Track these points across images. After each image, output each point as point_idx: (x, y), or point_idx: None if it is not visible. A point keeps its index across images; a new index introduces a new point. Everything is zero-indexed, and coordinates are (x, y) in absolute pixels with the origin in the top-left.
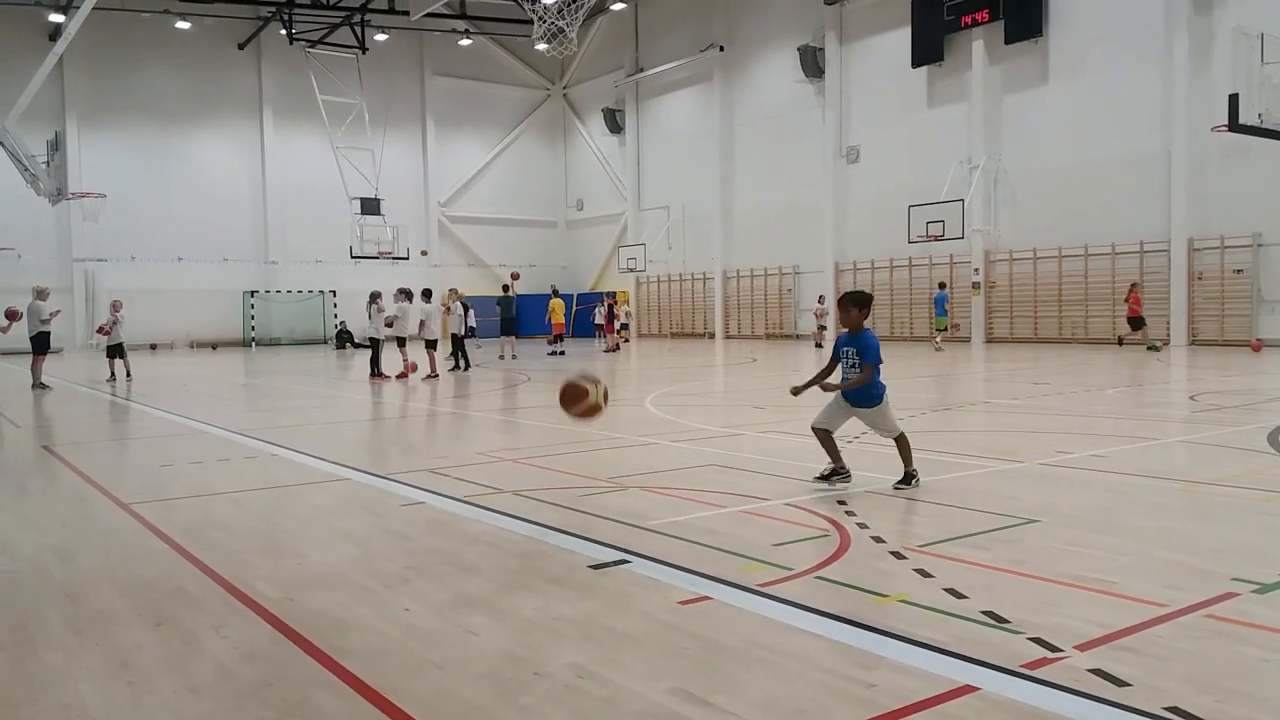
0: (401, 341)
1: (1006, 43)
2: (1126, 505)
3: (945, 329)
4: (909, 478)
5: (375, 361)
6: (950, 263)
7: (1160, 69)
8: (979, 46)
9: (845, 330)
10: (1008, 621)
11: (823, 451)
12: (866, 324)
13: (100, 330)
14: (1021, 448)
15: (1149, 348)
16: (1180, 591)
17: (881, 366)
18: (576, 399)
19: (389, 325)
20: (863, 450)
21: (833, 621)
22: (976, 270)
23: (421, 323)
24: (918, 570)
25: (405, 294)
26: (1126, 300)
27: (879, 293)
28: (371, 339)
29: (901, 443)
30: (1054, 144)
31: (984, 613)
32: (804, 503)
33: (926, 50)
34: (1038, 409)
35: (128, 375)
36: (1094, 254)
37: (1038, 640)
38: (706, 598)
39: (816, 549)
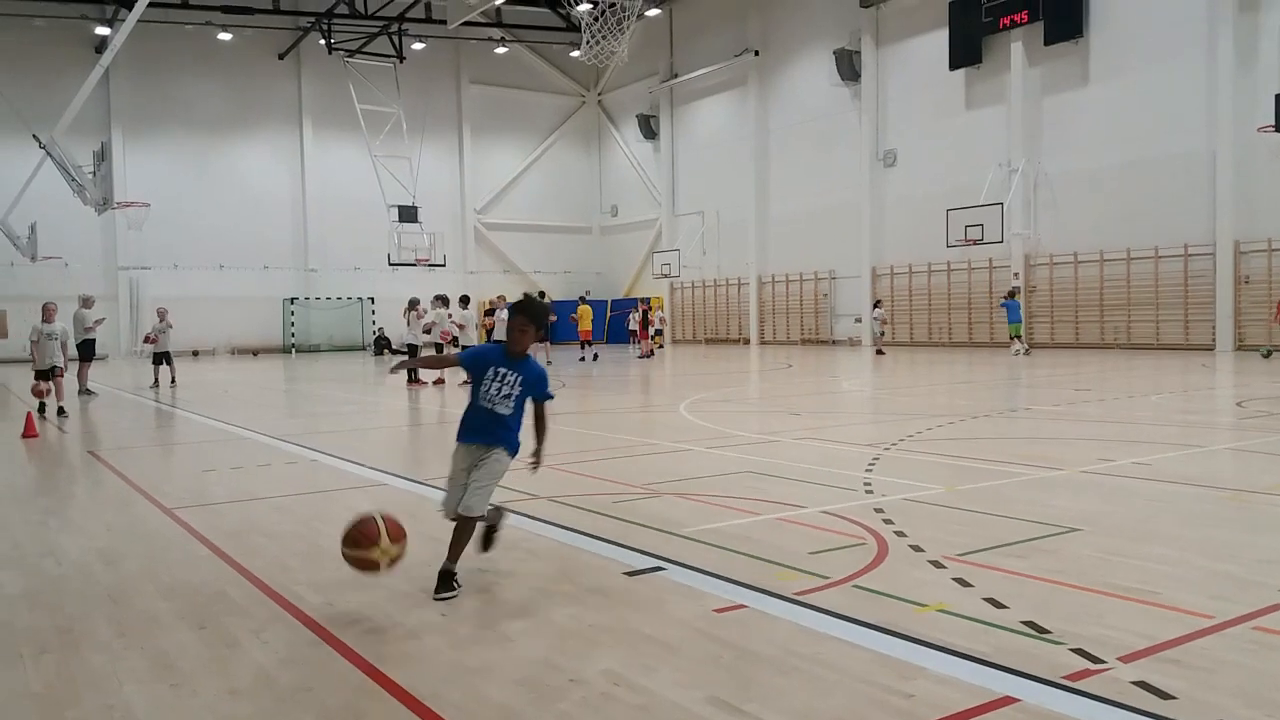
0: (439, 347)
1: (1046, 44)
2: (1170, 514)
3: (1019, 335)
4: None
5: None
6: (990, 267)
7: (1204, 69)
8: (1018, 48)
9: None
10: (1049, 632)
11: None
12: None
13: (147, 339)
14: (1062, 455)
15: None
16: (1226, 602)
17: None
18: (359, 541)
19: (426, 332)
20: (901, 459)
21: (870, 631)
22: (1016, 275)
23: (461, 328)
24: (956, 579)
25: (443, 300)
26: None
27: (917, 297)
28: (409, 345)
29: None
30: (1095, 146)
31: (1024, 623)
32: (840, 510)
33: (964, 52)
34: (1079, 415)
35: (172, 381)
36: (1136, 258)
37: (1080, 651)
38: (742, 605)
39: (853, 557)
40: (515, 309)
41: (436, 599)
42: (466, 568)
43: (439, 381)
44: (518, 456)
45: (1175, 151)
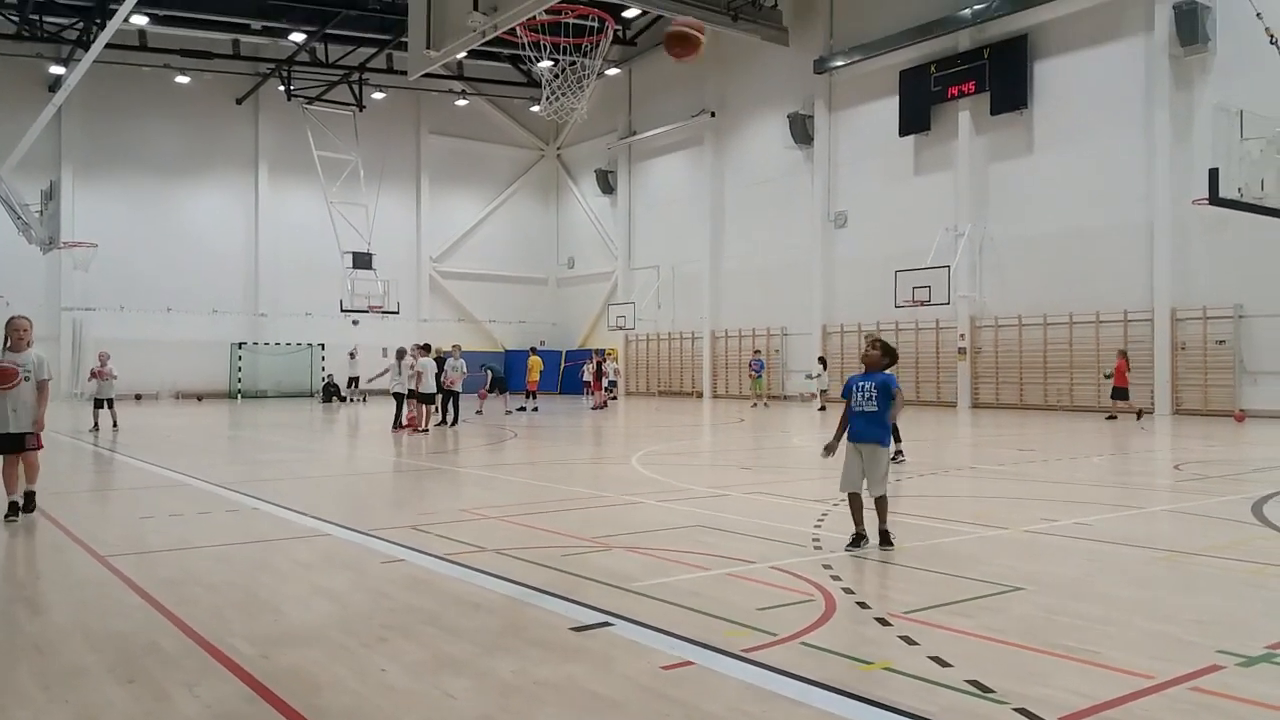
0: (429, 397)
1: (992, 113)
2: (1110, 574)
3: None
4: (885, 537)
5: (399, 414)
6: (937, 327)
7: (1142, 142)
8: (965, 117)
9: (863, 370)
10: (992, 691)
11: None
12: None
13: (93, 375)
14: (1006, 514)
15: (1109, 417)
16: (1165, 663)
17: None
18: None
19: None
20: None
21: (817, 689)
22: (962, 336)
23: (420, 375)
24: (902, 637)
25: (424, 349)
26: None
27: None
28: (396, 393)
29: (882, 504)
30: (1039, 213)
31: (968, 682)
32: (789, 566)
33: (914, 119)
34: (1023, 475)
35: (114, 425)
36: (1079, 322)
37: (1023, 711)
38: (690, 663)
39: (801, 614)
40: (875, 341)
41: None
42: (409, 620)
43: (409, 427)
44: None
45: (1115, 220)
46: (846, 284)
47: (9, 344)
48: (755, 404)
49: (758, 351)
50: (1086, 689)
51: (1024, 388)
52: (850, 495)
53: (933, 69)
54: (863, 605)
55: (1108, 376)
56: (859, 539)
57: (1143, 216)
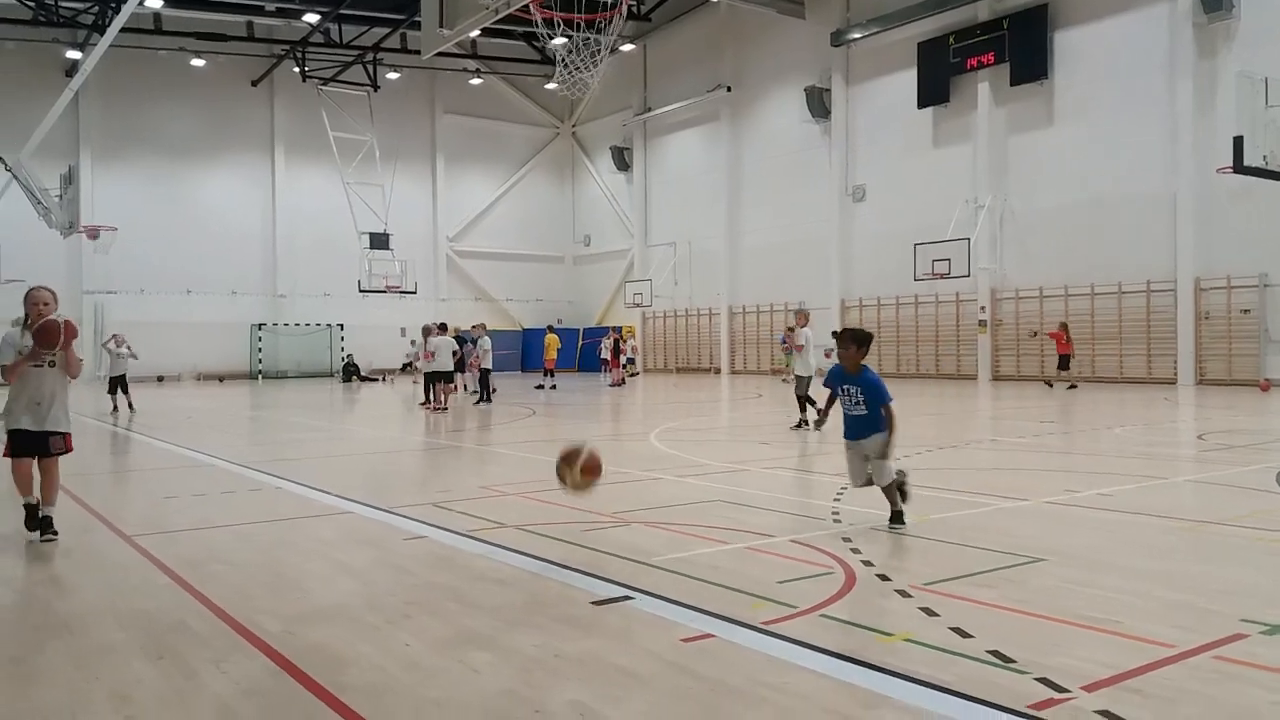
0: (444, 375)
1: (1012, 84)
2: (1133, 545)
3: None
4: (897, 516)
5: (429, 391)
6: (957, 300)
7: (1165, 111)
8: (984, 88)
9: (839, 365)
10: (1014, 661)
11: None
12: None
13: (111, 340)
14: (1027, 486)
15: (1069, 386)
16: (1188, 632)
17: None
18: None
19: (429, 359)
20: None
21: (837, 660)
22: (983, 308)
23: (432, 355)
24: (923, 609)
25: (442, 328)
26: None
27: (885, 330)
28: (428, 372)
29: (891, 491)
30: (1060, 184)
31: (990, 652)
32: (809, 539)
33: (932, 91)
34: (1044, 447)
35: (130, 407)
36: (1100, 293)
37: (1044, 681)
38: (710, 635)
39: (821, 586)
40: (842, 335)
41: None
42: (432, 596)
43: (440, 408)
44: None
45: (1137, 190)
46: (865, 258)
47: (29, 321)
48: (787, 379)
49: (790, 329)
50: (1108, 658)
51: (1045, 360)
52: (885, 490)
53: (951, 40)
54: (883, 577)
55: (1034, 335)
56: (896, 516)
57: (1166, 186)
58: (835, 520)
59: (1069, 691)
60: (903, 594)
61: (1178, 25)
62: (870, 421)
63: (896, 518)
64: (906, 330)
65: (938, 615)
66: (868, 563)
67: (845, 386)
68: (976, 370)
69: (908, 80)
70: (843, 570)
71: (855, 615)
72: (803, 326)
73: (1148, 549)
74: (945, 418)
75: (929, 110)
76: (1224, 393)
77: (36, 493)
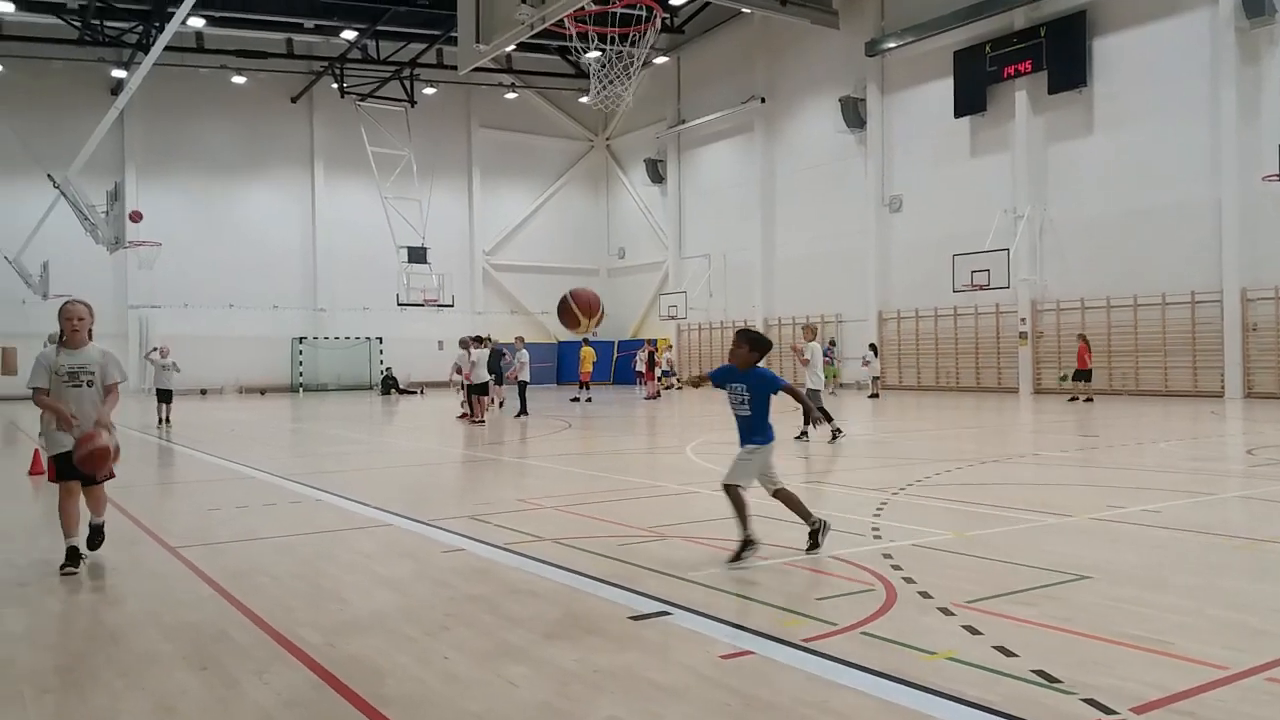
0: (470, 387)
1: (1050, 93)
2: (1181, 562)
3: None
4: (815, 534)
5: (472, 404)
6: (996, 312)
7: (1208, 118)
8: (1022, 97)
9: (729, 365)
10: (1059, 681)
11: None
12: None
13: (155, 352)
14: (1070, 502)
15: (1086, 399)
16: (1240, 653)
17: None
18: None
19: (458, 372)
20: (909, 503)
21: (879, 679)
22: (1023, 320)
23: (473, 366)
24: (966, 627)
25: (477, 341)
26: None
27: (924, 342)
28: (468, 384)
29: (787, 498)
30: (1100, 193)
31: (1035, 672)
32: (848, 555)
33: (969, 100)
34: (1087, 462)
35: (166, 420)
36: (1143, 304)
37: (1091, 702)
38: (749, 652)
39: (861, 603)
40: (739, 335)
41: None
42: (470, 609)
43: (477, 420)
44: None
45: (1180, 199)
46: (902, 269)
47: (64, 337)
48: (832, 391)
49: (832, 342)
50: (1157, 679)
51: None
52: (728, 489)
53: (988, 48)
54: (924, 595)
55: (1063, 379)
56: (745, 546)
57: (1210, 195)
58: (875, 536)
59: (1117, 713)
60: (945, 611)
61: (1219, 30)
62: (753, 425)
63: (813, 539)
64: (945, 342)
65: (981, 633)
66: (909, 579)
67: (732, 385)
68: (1017, 383)
69: (944, 89)
70: (883, 587)
71: (897, 633)
72: (811, 341)
73: (1197, 566)
74: (985, 431)
75: (965, 119)
76: (1273, 406)
77: (79, 531)
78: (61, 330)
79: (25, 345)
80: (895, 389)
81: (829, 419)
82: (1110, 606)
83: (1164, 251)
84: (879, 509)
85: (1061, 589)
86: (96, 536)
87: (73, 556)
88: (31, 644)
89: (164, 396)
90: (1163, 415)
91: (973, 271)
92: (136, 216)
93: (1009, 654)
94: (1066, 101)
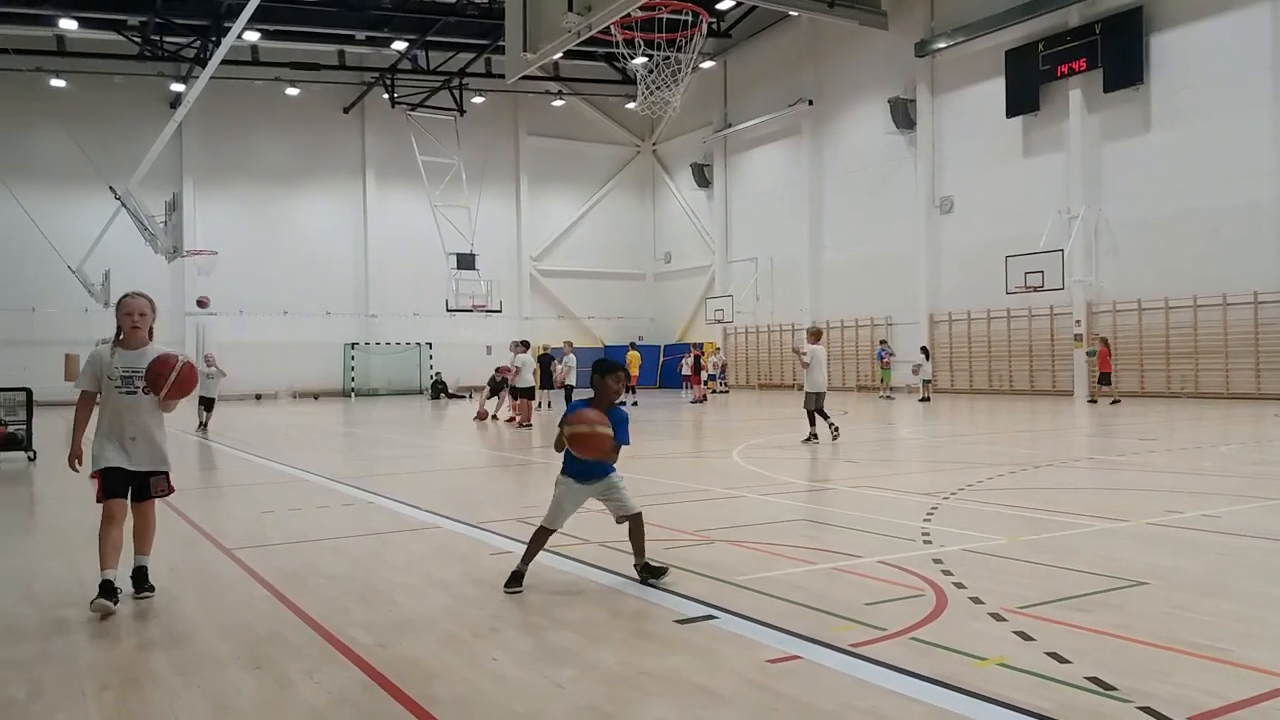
0: (515, 391)
1: (1105, 91)
2: (1242, 568)
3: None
4: (652, 571)
5: (523, 407)
6: (1051, 314)
7: (1270, 114)
8: (1076, 95)
9: (584, 400)
10: (1115, 689)
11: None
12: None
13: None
14: (1126, 506)
15: (1112, 401)
16: None
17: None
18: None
19: (507, 375)
20: (960, 508)
21: (929, 685)
22: (1078, 322)
23: (518, 371)
24: (1018, 633)
25: (523, 345)
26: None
27: (976, 344)
28: (514, 388)
29: (636, 526)
30: (1158, 193)
31: (1089, 679)
32: (898, 560)
33: (1021, 100)
34: (1144, 466)
35: (204, 425)
36: (1203, 305)
37: (1148, 710)
38: (797, 657)
39: (911, 609)
40: (596, 366)
41: None
42: (517, 611)
43: (510, 420)
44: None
45: (1242, 198)
46: (953, 271)
47: (120, 335)
48: (885, 394)
49: (884, 342)
50: (1217, 688)
51: (1145, 375)
52: (538, 532)
53: (1041, 47)
54: (976, 600)
55: (1090, 354)
56: (516, 578)
57: (1272, 192)
58: (925, 541)
59: None
60: (996, 617)
61: None
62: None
63: (647, 571)
64: (999, 345)
65: (1033, 639)
66: (959, 585)
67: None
68: (1073, 386)
69: (995, 89)
70: (933, 592)
71: (947, 639)
72: (814, 344)
73: (1258, 573)
74: (1039, 435)
75: (1018, 119)
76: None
77: (115, 562)
78: (119, 327)
79: (88, 354)
80: (947, 392)
81: (826, 419)
82: (1168, 613)
83: (1225, 251)
84: (929, 514)
85: (1117, 595)
86: (142, 581)
87: (107, 590)
88: (93, 642)
89: (206, 404)
90: (1224, 418)
91: (1026, 273)
92: (204, 302)
93: (1062, 660)
94: (1123, 99)
